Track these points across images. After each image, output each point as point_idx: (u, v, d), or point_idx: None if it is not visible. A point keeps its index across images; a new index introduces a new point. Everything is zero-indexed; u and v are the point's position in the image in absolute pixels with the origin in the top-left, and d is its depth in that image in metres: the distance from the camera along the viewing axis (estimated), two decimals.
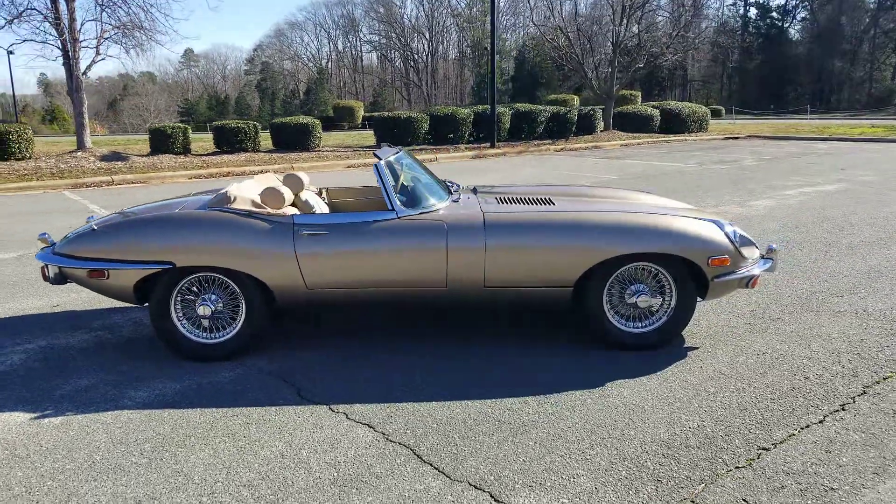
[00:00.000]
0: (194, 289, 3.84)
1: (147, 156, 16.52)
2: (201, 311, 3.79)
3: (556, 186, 4.98)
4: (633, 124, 25.31)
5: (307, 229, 3.75)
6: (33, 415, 3.23)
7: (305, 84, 74.46)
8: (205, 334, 3.87)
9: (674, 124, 25.45)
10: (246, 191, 4.08)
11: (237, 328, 3.85)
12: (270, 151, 18.28)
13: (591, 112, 24.05)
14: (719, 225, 3.85)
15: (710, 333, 4.17)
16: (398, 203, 3.84)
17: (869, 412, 3.10)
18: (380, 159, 4.00)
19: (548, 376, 3.56)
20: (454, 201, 4.12)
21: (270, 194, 4.01)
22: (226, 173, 15.01)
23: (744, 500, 2.45)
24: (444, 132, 20.93)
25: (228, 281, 3.80)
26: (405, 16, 70.63)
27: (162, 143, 16.62)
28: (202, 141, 19.96)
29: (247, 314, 3.83)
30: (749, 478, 2.59)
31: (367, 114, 22.59)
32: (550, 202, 4.18)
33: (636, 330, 3.90)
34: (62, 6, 15.19)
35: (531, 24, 29.42)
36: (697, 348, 3.94)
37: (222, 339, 3.86)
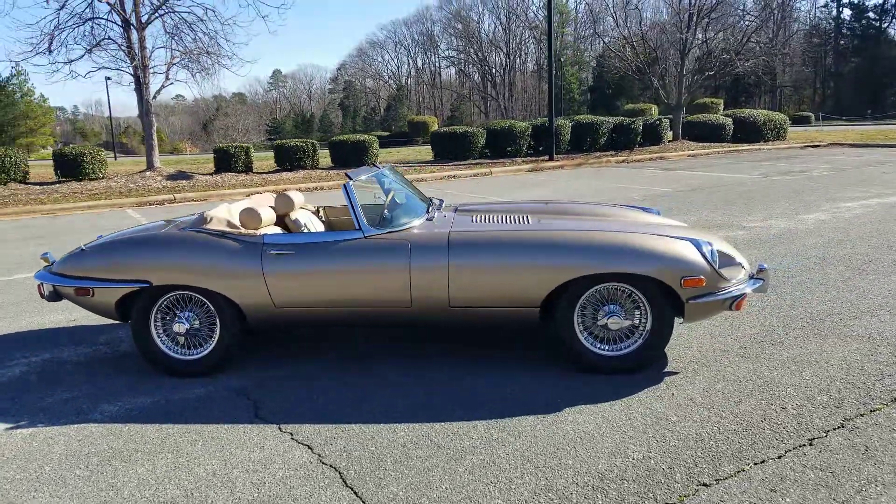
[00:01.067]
0: (173, 307, 4.00)
1: (211, 174, 17.36)
2: (176, 328, 3.95)
3: (550, 203, 4.89)
4: (704, 134, 24.44)
5: (275, 249, 3.86)
6: (7, 425, 3.45)
7: (385, 101, 76.59)
8: (183, 350, 4.03)
9: (748, 133, 24.39)
10: (224, 212, 4.23)
11: (212, 346, 3.99)
12: (328, 168, 18.81)
13: (658, 122, 23.43)
14: (696, 244, 3.67)
15: (698, 357, 3.97)
16: (365, 222, 3.89)
17: (837, 448, 2.87)
18: (350, 179, 4.07)
19: (506, 399, 3.49)
20: (429, 220, 4.13)
21: (248, 214, 4.14)
22: (282, 190, 15.52)
23: None
24: (501, 146, 20.92)
25: (203, 299, 3.94)
26: (482, 31, 71.26)
27: (225, 162, 17.42)
28: (267, 159, 20.77)
29: (221, 332, 3.97)
30: None
31: (441, 128, 22.84)
32: (527, 220, 4.12)
33: (610, 353, 3.77)
34: (133, 35, 16.26)
35: (599, 34, 28.97)
36: (677, 373, 3.76)
37: (199, 355, 4.01)
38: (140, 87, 16.62)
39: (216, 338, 3.98)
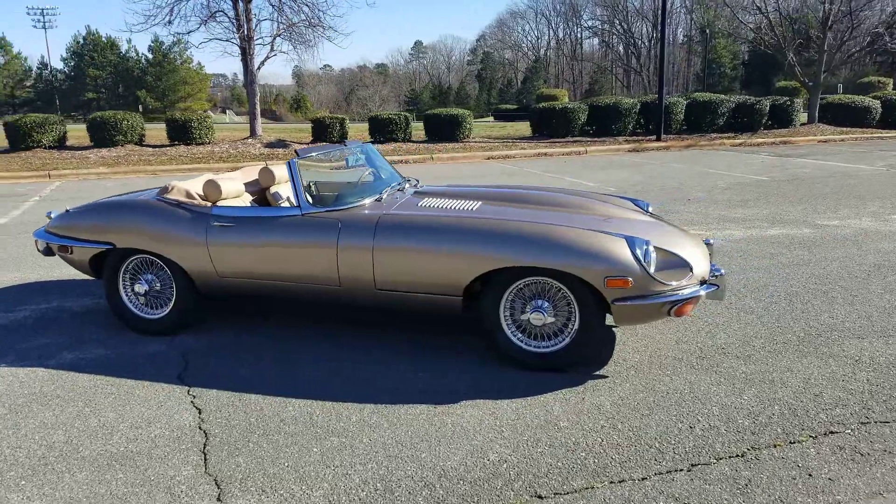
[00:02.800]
0: (138, 269, 4.33)
1: (308, 144, 18.17)
2: (137, 288, 4.29)
3: (523, 191, 4.65)
4: (845, 117, 22.20)
5: (218, 220, 4.05)
6: None
7: (523, 73, 76.31)
8: (147, 310, 4.36)
9: None
10: (186, 183, 4.48)
11: (169, 308, 4.28)
12: (420, 141, 19.08)
13: (787, 103, 21.52)
14: (631, 242, 3.43)
15: (644, 362, 3.73)
16: (305, 200, 3.98)
17: (715, 479, 2.63)
18: (298, 156, 4.17)
19: (411, 387, 3.49)
20: (377, 200, 4.15)
21: (209, 186, 4.37)
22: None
23: None
24: (605, 124, 20.19)
25: (162, 264, 4.24)
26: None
27: (321, 132, 18.16)
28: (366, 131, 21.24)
29: (177, 296, 4.25)
30: None
31: (540, 105, 22.44)
32: (473, 207, 4.04)
33: (537, 349, 3.64)
34: (240, 7, 17.25)
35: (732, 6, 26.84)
36: (605, 378, 3.57)
37: (159, 316, 4.32)
38: (246, 58, 17.65)
39: (174, 300, 4.26)
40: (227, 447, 2.93)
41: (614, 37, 71.87)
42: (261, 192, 4.85)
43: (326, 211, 3.95)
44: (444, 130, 19.13)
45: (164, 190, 4.34)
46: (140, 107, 57.83)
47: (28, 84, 75.22)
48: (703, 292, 3.50)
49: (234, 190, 4.51)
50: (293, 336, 4.25)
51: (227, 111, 76.91)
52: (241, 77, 47.29)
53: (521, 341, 3.66)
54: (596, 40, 76.20)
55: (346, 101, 76.64)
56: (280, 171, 4.96)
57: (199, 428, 3.11)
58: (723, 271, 3.65)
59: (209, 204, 4.22)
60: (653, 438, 2.94)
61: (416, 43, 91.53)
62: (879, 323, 4.28)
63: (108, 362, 3.90)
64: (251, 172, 5.03)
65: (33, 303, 5.10)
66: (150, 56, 66.31)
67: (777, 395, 3.33)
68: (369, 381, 3.58)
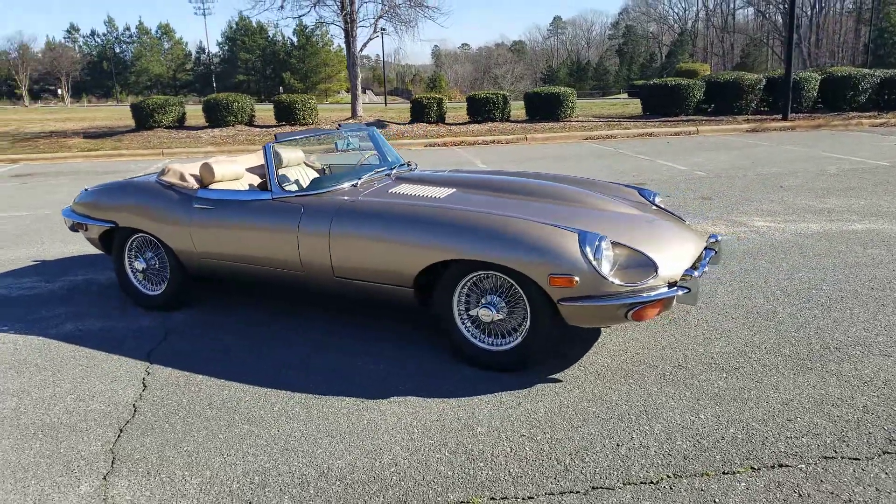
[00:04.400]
0: (141, 247, 4.58)
1: (405, 124, 18.43)
2: (136, 265, 4.54)
3: (521, 179, 4.37)
4: None
5: (199, 203, 4.18)
6: None
7: (668, 47, 73.09)
8: (147, 286, 4.61)
9: None
10: (185, 166, 4.63)
11: (164, 285, 4.50)
12: (519, 121, 18.73)
13: None
14: (582, 238, 3.13)
15: (610, 368, 3.43)
16: (276, 184, 4.01)
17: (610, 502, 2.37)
18: (276, 140, 4.19)
19: (364, 379, 3.42)
20: (353, 186, 4.09)
21: (204, 169, 4.51)
22: (458, 142, 15.98)
23: None
24: (725, 101, 18.81)
25: (158, 244, 4.45)
26: None
27: (419, 112, 18.33)
28: (517, 108, 20.58)
29: (170, 274, 4.45)
30: None
31: (650, 81, 21.35)
32: (443, 195, 3.88)
33: (490, 347, 3.45)
34: None
35: None
36: (559, 382, 3.32)
37: (157, 292, 4.55)
38: (348, 39, 18.10)
39: (168, 279, 4.47)
40: (144, 426, 3.03)
41: (770, 6, 66.40)
42: (262, 172, 4.93)
43: (294, 196, 3.95)
44: (545, 109, 18.66)
45: (162, 172, 4.54)
46: (281, 88, 61.52)
47: (188, 67, 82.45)
48: (667, 296, 3.15)
49: (231, 173, 4.63)
50: (283, 321, 4.31)
51: (367, 91, 79.90)
52: (384, 58, 48.76)
53: (476, 338, 3.48)
54: (750, 10, 71.02)
55: (482, 80, 76.72)
56: (288, 153, 5.03)
57: (133, 405, 3.24)
58: (695, 273, 3.26)
59: (196, 187, 4.35)
60: (567, 454, 2.69)
61: (554, 18, 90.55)
62: (892, 335, 3.67)
63: (96, 335, 4.16)
64: (257, 158, 5.13)
65: (72, 274, 5.54)
66: (294, 40, 70.11)
67: (742, 416, 2.94)
68: (322, 370, 3.55)
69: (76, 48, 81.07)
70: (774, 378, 3.28)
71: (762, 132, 16.42)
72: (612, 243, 3.24)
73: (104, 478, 2.63)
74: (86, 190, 4.88)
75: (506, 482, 2.53)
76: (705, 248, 3.92)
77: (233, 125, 17.84)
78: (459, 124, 18.46)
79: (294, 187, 4.69)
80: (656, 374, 3.37)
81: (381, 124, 18.02)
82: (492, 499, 2.44)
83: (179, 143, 16.22)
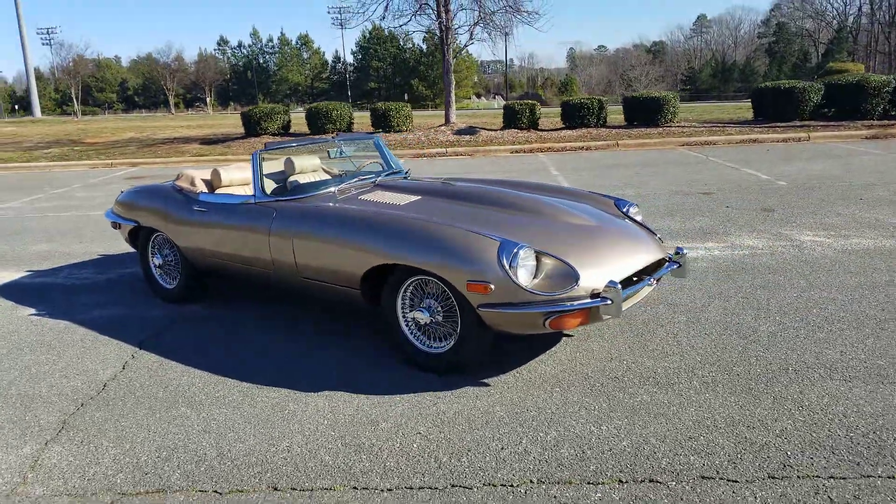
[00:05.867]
0: (161, 244, 5.12)
1: (497, 130, 18.61)
2: (155, 261, 5.08)
3: (499, 189, 4.42)
4: None
5: (198, 206, 4.63)
6: (31, 310, 5.02)
7: (824, 45, 68.61)
8: (167, 280, 5.14)
9: None
10: (198, 172, 5.11)
11: (179, 280, 5.00)
12: (615, 126, 18.35)
13: None
14: (502, 246, 3.22)
15: (544, 377, 3.48)
16: (260, 189, 4.36)
17: (396, 497, 2.48)
18: (265, 148, 4.55)
19: (319, 372, 3.69)
20: (330, 192, 4.38)
21: (213, 175, 4.98)
22: (545, 148, 15.95)
23: None
24: (847, 105, 17.44)
25: (172, 241, 4.96)
26: None
27: (512, 118, 18.45)
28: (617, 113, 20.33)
29: (182, 270, 4.95)
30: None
31: (764, 83, 20.22)
32: (406, 202, 4.07)
33: (427, 349, 3.61)
34: None
35: None
36: (486, 386, 3.42)
37: (173, 286, 5.07)
38: (443, 47, 18.56)
39: (181, 274, 4.98)
40: (102, 402, 3.46)
41: None
42: (283, 180, 5.34)
43: (274, 200, 4.29)
44: (644, 114, 18.17)
45: (177, 177, 5.05)
46: (406, 95, 63.78)
47: (324, 76, 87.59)
48: (584, 306, 3.17)
49: (240, 178, 5.07)
50: (285, 318, 4.69)
51: (497, 96, 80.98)
52: (516, 62, 49.28)
53: (418, 340, 3.65)
54: None
55: (619, 82, 75.09)
56: (302, 161, 5.41)
57: (104, 384, 3.69)
58: (617, 283, 3.23)
59: (199, 191, 4.82)
60: (448, 453, 2.81)
61: (699, 17, 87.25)
62: (877, 365, 3.42)
63: (110, 321, 4.71)
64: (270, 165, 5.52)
65: (123, 268, 6.24)
66: (424, 47, 72.22)
67: (644, 430, 2.92)
68: (279, 362, 3.85)
69: (225, 59, 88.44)
70: (704, 396, 3.20)
71: (883, 139, 15.10)
72: (537, 252, 3.30)
73: (45, 444, 3.06)
74: (122, 192, 5.51)
75: (375, 474, 2.69)
76: (669, 261, 3.87)
77: (332, 132, 18.81)
78: (552, 130, 18.39)
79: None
80: (587, 384, 3.39)
81: (471, 131, 18.32)
82: (353, 488, 2.61)
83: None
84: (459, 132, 18.33)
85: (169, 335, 4.40)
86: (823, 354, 3.60)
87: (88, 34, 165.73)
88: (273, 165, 5.50)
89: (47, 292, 5.53)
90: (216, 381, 3.65)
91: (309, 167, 5.35)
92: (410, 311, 3.61)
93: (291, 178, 5.16)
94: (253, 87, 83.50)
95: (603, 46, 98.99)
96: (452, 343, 3.49)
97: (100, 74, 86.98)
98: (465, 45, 19.14)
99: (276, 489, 2.63)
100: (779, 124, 17.48)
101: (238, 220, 4.34)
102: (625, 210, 4.20)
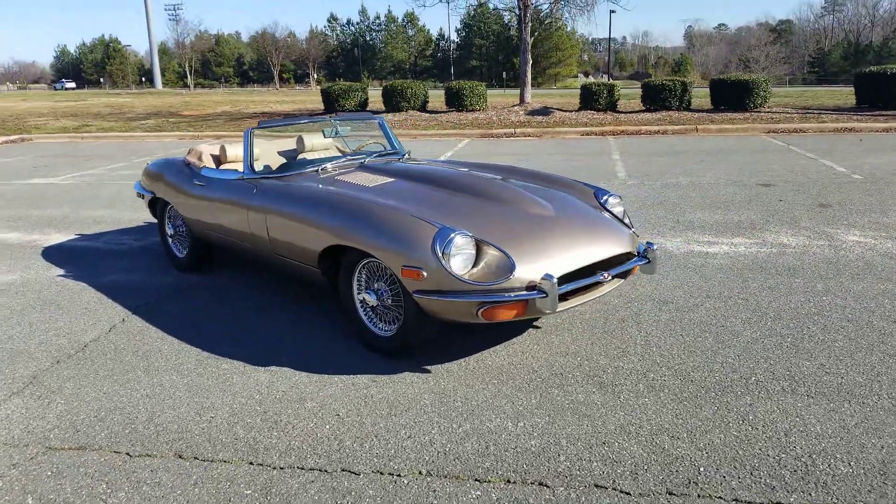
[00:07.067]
0: (174, 215, 5.38)
1: (572, 111, 18.15)
2: (168, 231, 5.34)
3: (479, 176, 4.31)
4: None
5: (198, 179, 4.81)
6: (61, 272, 5.40)
7: None
8: (180, 248, 5.39)
9: None
10: (206, 148, 5.29)
11: (187, 250, 5.24)
12: (699, 110, 17.47)
13: None
14: (439, 234, 3.17)
15: (489, 367, 3.41)
16: (248, 166, 4.47)
17: (248, 474, 2.50)
18: (258, 127, 4.65)
19: (280, 349, 3.80)
20: (314, 171, 4.43)
21: (221, 150, 5.15)
22: (619, 131, 15.43)
23: None
24: None
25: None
26: None
27: (588, 99, 17.95)
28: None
29: (189, 239, 5.17)
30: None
31: (867, 68, 18.69)
32: (381, 184, 4.06)
33: (379, 332, 3.63)
34: None
35: None
36: (427, 373, 3.39)
37: (183, 255, 5.32)
38: (521, 25, 18.23)
39: (189, 244, 5.21)
40: (75, 361, 3.69)
41: None
42: (293, 157, 5.47)
43: (258, 177, 4.38)
44: (732, 98, 17.21)
45: (189, 152, 5.27)
46: (504, 74, 63.25)
47: (428, 54, 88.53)
48: (515, 299, 3.08)
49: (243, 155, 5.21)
50: (286, 293, 4.84)
51: (605, 75, 78.82)
52: (629, 40, 47.89)
53: (371, 321, 3.67)
54: None
55: (737, 64, 71.19)
56: (312, 139, 5.51)
57: (86, 344, 3.94)
58: (552, 277, 3.10)
59: (203, 166, 5.00)
60: (354, 437, 2.82)
61: None
62: (854, 381, 3.11)
63: (123, 286, 5.00)
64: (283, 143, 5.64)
65: (155, 237, 6.59)
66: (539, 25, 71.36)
67: (560, 431, 2.82)
68: (252, 337, 3.97)
69: (333, 36, 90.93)
70: (642, 401, 3.04)
71: None
72: (478, 241, 3.23)
73: (10, 395, 3.31)
74: (147, 164, 5.80)
75: (276, 452, 2.74)
76: (639, 256, 3.69)
77: (406, 110, 18.98)
78: (630, 112, 17.73)
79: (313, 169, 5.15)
80: (526, 378, 3.30)
81: (545, 111, 17.97)
82: (249, 463, 2.68)
83: None
84: (532, 112, 18.01)
85: (166, 303, 4.62)
86: (798, 366, 3.33)
87: (203, 11, 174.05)
88: (288, 143, 5.63)
89: (83, 255, 5.93)
90: (182, 349, 3.81)
91: (320, 145, 5.43)
92: (360, 293, 3.63)
93: (300, 156, 5.29)
94: (358, 63, 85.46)
95: (723, 25, 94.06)
96: (397, 326, 3.48)
97: (219, 49, 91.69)
98: (543, 24, 18.68)
99: (180, 457, 2.73)
100: (883, 112, 16.09)
101: (225, 195, 4.48)
102: (602, 201, 4.01)
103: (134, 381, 3.42)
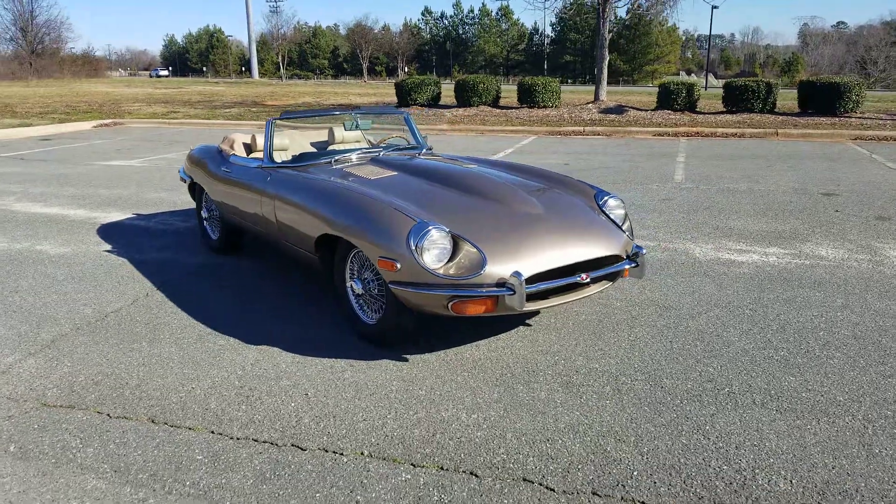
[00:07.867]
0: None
1: (648, 110, 17.73)
2: (203, 214, 5.69)
3: (488, 172, 4.38)
4: None
5: (226, 166, 5.11)
6: (108, 247, 5.85)
7: None
8: (213, 230, 5.74)
9: None
10: (240, 136, 5.58)
11: (219, 233, 5.57)
12: (784, 113, 16.70)
13: None
14: (416, 227, 3.28)
15: (464, 359, 3.51)
16: (268, 155, 4.72)
17: (177, 441, 2.67)
18: (280, 117, 4.89)
19: (277, 330, 4.04)
20: (327, 162, 4.63)
21: (252, 139, 5.45)
22: (693, 133, 14.99)
23: None
24: None
25: None
26: None
27: (666, 99, 17.49)
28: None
29: (220, 223, 5.50)
30: None
31: None
32: (384, 177, 4.21)
33: (366, 320, 3.78)
34: None
35: None
36: (403, 361, 3.52)
37: (216, 237, 5.66)
38: (599, 20, 17.95)
39: (220, 227, 5.54)
40: (94, 329, 4.02)
41: None
42: (324, 148, 5.71)
43: (275, 166, 4.62)
44: (820, 102, 16.35)
45: (223, 140, 5.59)
46: (594, 70, 62.06)
47: (520, 48, 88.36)
48: (484, 294, 3.16)
49: (276, 144, 5.48)
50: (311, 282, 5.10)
51: (709, 74, 76.23)
52: (738, 37, 46.30)
53: (361, 309, 3.83)
54: None
55: (858, 64, 67.23)
56: (341, 131, 5.72)
57: (107, 315, 4.29)
58: (522, 275, 3.15)
59: (232, 153, 5.30)
60: (314, 417, 2.98)
61: None
62: (833, 400, 3.01)
63: (153, 264, 5.37)
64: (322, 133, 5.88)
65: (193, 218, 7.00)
66: (626, 18, 69.75)
67: (510, 425, 2.88)
68: (255, 314, 4.23)
69: (427, 29, 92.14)
70: (603, 403, 3.06)
71: None
72: (455, 236, 3.32)
73: (27, 356, 3.67)
74: (190, 150, 6.18)
75: (237, 424, 2.94)
76: (627, 258, 3.69)
77: (476, 105, 19.08)
78: (710, 113, 17.15)
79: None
80: (497, 374, 3.36)
81: (619, 110, 17.64)
82: (210, 432, 2.89)
83: (420, 120, 17.93)
84: (606, 111, 17.72)
85: (191, 280, 4.94)
86: (779, 380, 3.25)
87: (303, 4, 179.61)
88: (320, 135, 5.87)
89: (132, 233, 6.39)
90: (188, 324, 4.09)
91: (351, 137, 5.65)
92: (350, 281, 3.79)
93: (330, 147, 5.52)
94: (450, 57, 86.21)
95: (843, 23, 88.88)
96: (380, 316, 3.62)
97: (315, 41, 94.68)
98: (622, 20, 18.29)
99: (153, 421, 2.98)
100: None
101: (245, 181, 4.74)
102: (601, 202, 4.01)
103: (136, 351, 3.72)
